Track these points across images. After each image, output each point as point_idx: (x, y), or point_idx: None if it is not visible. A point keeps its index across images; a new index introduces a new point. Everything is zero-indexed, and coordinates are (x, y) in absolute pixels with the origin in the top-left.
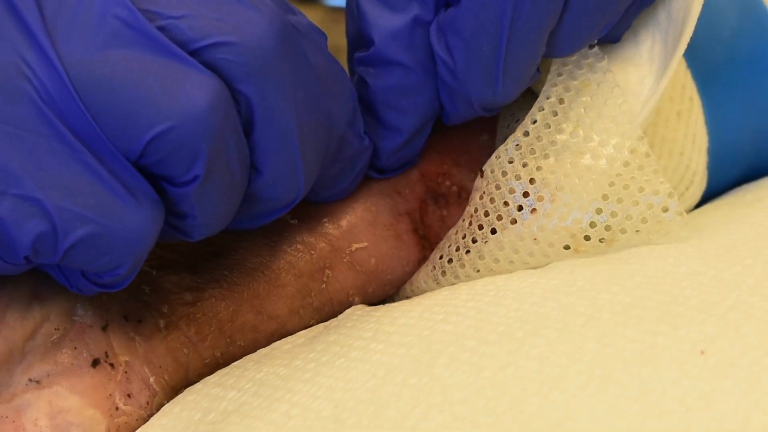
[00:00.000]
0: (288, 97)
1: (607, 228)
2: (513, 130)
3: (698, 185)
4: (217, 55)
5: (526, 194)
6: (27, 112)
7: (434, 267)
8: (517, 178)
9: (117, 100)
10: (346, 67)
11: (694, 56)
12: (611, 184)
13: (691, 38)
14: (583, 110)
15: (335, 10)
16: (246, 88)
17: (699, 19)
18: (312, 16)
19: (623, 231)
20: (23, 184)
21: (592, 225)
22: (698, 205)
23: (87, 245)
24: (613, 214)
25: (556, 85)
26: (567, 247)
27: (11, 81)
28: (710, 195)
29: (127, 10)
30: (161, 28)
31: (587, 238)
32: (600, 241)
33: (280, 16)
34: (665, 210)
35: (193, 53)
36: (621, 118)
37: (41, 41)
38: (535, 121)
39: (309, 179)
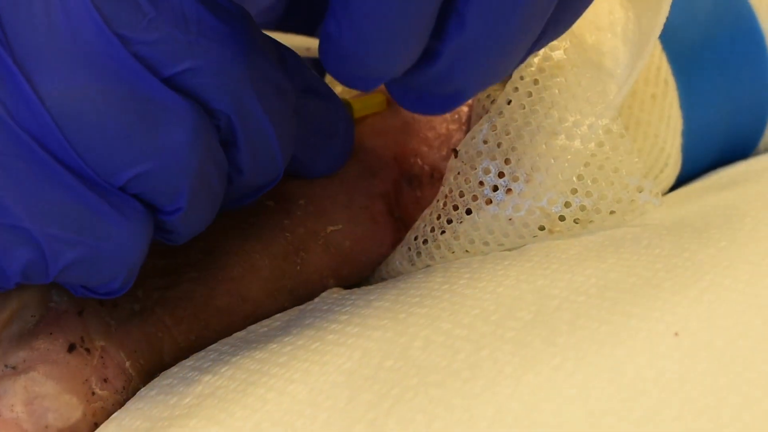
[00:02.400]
0: (260, 97)
1: (582, 208)
2: (487, 110)
3: (673, 167)
4: (193, 80)
5: (501, 174)
6: (4, 138)
7: (410, 248)
8: (492, 158)
9: (97, 135)
10: None
11: (669, 38)
12: (586, 165)
13: (667, 20)
14: (557, 91)
15: None
16: (224, 106)
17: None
18: None
19: (597, 211)
20: (8, 212)
21: (567, 205)
22: (673, 188)
23: (78, 267)
24: (588, 194)
25: (531, 66)
26: (542, 228)
27: None
28: (685, 178)
29: (104, 38)
30: (134, 55)
31: (562, 218)
32: (575, 221)
33: (242, 25)
34: (640, 190)
35: (168, 79)
36: (595, 98)
37: (11, 70)
38: (509, 102)
39: (286, 158)
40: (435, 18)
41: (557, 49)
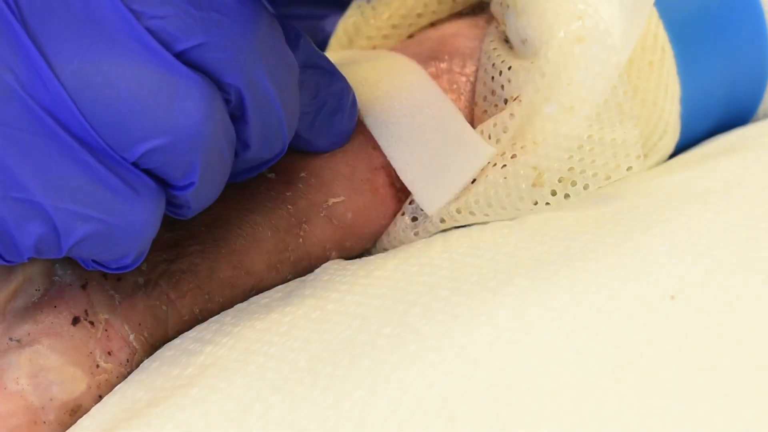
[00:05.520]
0: (270, 72)
1: (573, 184)
2: (492, 90)
3: (671, 135)
4: (205, 55)
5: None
6: (18, 111)
7: (414, 217)
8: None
9: (111, 110)
10: None
11: (665, 6)
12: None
13: None
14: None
15: None
16: (235, 80)
17: None
18: None
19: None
20: (22, 186)
21: (560, 180)
22: (672, 155)
23: (90, 242)
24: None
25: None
26: (535, 203)
27: None
28: (684, 145)
29: (118, 12)
30: (147, 29)
31: (554, 193)
32: (565, 196)
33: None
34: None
35: (180, 54)
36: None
37: (26, 44)
38: (493, 78)
39: (291, 132)
40: None
41: None
